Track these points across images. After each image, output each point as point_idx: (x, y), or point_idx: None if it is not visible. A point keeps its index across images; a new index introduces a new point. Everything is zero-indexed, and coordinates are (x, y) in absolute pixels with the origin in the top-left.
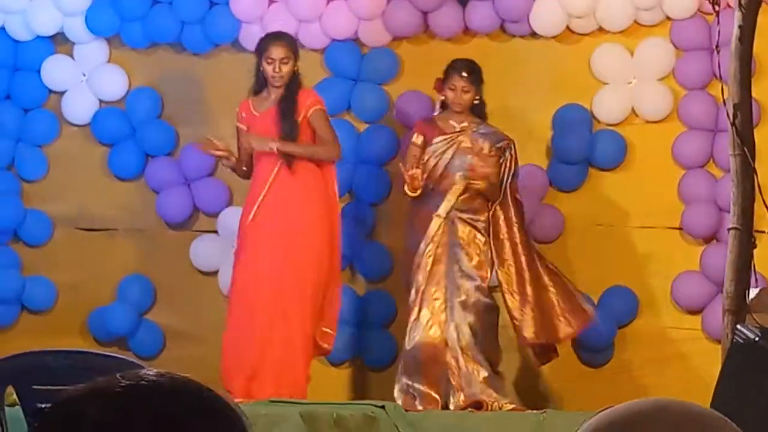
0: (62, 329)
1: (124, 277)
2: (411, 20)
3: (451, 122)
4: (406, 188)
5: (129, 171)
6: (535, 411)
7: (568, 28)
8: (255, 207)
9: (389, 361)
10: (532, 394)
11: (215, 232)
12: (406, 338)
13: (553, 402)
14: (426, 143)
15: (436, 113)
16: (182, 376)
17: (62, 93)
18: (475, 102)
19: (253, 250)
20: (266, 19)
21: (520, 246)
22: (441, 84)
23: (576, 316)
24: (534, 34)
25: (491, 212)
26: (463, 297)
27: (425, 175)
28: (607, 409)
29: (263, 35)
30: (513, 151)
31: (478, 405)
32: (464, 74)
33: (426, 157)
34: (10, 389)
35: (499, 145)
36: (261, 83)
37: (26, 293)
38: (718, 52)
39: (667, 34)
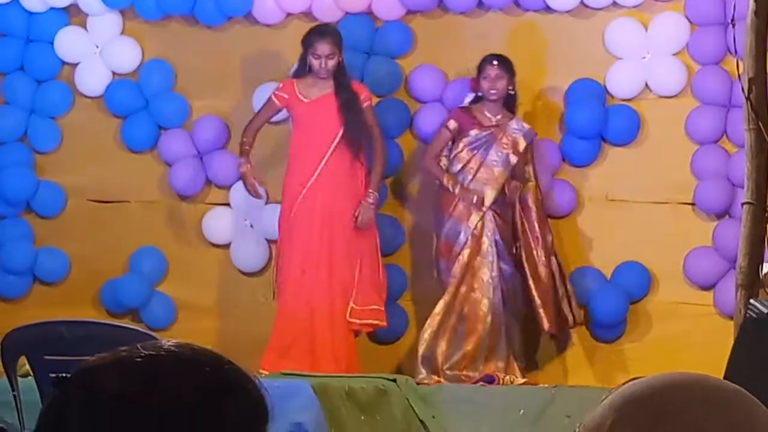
0: (74, 301)
1: (137, 249)
2: None
3: (487, 114)
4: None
5: (142, 143)
6: (546, 385)
7: (582, 2)
8: (305, 188)
9: (401, 334)
10: (544, 369)
11: (227, 204)
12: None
13: (565, 376)
14: (460, 131)
15: (468, 102)
16: (202, 348)
17: (75, 65)
18: (509, 92)
19: (306, 229)
20: None
21: (541, 240)
22: (475, 80)
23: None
24: (548, 9)
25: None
26: (501, 283)
27: (460, 167)
28: (632, 380)
29: (312, 27)
30: (534, 141)
31: (489, 379)
32: (495, 63)
33: (460, 146)
34: (22, 360)
35: (531, 141)
36: (305, 70)
37: (38, 264)
38: (733, 26)
39: (682, 8)
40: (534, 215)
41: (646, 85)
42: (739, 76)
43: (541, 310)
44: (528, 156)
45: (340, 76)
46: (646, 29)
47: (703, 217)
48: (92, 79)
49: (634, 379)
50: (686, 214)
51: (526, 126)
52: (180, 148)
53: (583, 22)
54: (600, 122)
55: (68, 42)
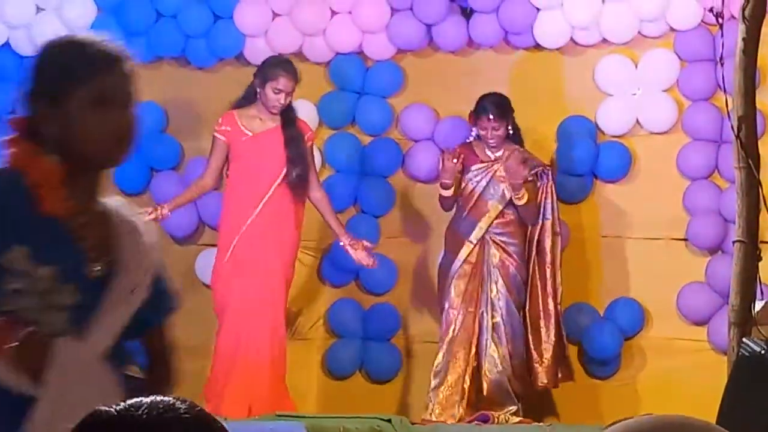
0: None
1: None
2: (415, 33)
3: (487, 152)
4: (441, 185)
5: (134, 185)
6: (541, 424)
7: (571, 39)
8: (245, 225)
9: (394, 374)
10: (539, 407)
11: None
12: (440, 357)
13: (560, 414)
14: (464, 166)
15: (471, 140)
16: (208, 415)
17: None
18: (509, 133)
19: (245, 269)
20: (270, 33)
21: (549, 282)
22: (473, 118)
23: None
24: (538, 46)
25: (530, 238)
26: (497, 318)
27: (461, 202)
28: (621, 421)
29: (270, 58)
30: (550, 177)
31: (484, 418)
32: (491, 116)
33: (464, 184)
34: None
35: (534, 171)
36: (250, 100)
37: None
38: (722, 65)
39: (671, 45)
40: (548, 260)
41: (637, 121)
42: (728, 113)
43: (537, 365)
44: (540, 191)
45: (288, 111)
46: (636, 66)
47: (696, 252)
48: None
49: (619, 421)
50: (679, 249)
51: (529, 155)
52: (172, 190)
53: (573, 59)
54: (591, 159)
55: None
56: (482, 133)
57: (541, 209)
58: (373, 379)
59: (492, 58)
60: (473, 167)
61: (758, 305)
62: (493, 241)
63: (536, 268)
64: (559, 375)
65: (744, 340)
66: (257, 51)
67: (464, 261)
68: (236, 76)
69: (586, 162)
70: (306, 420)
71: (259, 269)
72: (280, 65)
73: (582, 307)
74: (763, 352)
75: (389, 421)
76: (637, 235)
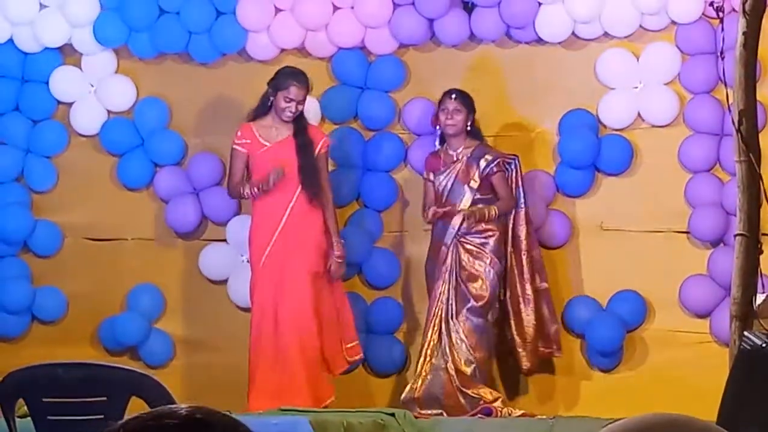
0: (73, 339)
1: (134, 286)
2: (417, 28)
3: (450, 152)
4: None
5: (138, 181)
6: (544, 417)
7: (573, 33)
8: (275, 235)
9: (397, 367)
10: (541, 399)
11: (224, 240)
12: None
13: (562, 407)
14: (435, 177)
15: (436, 147)
16: (217, 412)
17: (70, 104)
18: (468, 128)
19: (277, 276)
20: (273, 29)
21: (526, 269)
22: (435, 115)
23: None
24: (539, 40)
25: (508, 227)
26: (462, 319)
27: (435, 207)
28: (615, 422)
29: (283, 68)
30: (518, 165)
31: (487, 411)
32: (453, 96)
33: (432, 191)
34: (20, 401)
35: (492, 165)
36: (264, 110)
37: (37, 304)
38: (722, 58)
39: (673, 38)
40: (523, 246)
41: (639, 114)
42: (729, 107)
43: (521, 350)
44: (509, 181)
45: (301, 120)
46: (638, 59)
47: (697, 245)
48: (87, 118)
49: (616, 420)
50: (681, 242)
51: (488, 149)
52: (176, 186)
53: (575, 53)
54: (593, 152)
55: (63, 82)
56: (442, 118)
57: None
58: (377, 372)
59: (494, 52)
60: (438, 172)
61: (759, 298)
62: (461, 243)
63: (513, 256)
64: (540, 349)
65: (745, 333)
66: (260, 46)
67: (441, 265)
68: (239, 71)
69: (588, 155)
70: (309, 414)
71: (291, 275)
72: (291, 75)
73: (584, 300)
74: (764, 345)
75: (393, 415)
76: (639, 228)
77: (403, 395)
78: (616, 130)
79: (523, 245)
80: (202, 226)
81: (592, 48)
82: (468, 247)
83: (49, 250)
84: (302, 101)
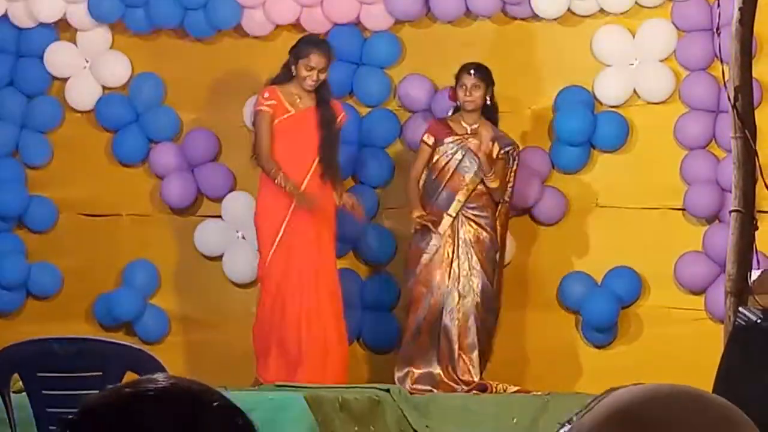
0: (68, 315)
1: (129, 262)
2: (412, 4)
3: (463, 124)
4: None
5: (133, 157)
6: (539, 392)
7: (569, 10)
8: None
9: (392, 343)
10: (536, 375)
11: (219, 217)
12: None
13: (557, 383)
14: (437, 143)
15: (449, 114)
16: (194, 382)
17: (65, 79)
18: (487, 102)
19: (291, 251)
20: (268, 5)
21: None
22: (453, 89)
23: None
24: (535, 17)
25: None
26: (472, 294)
27: (435, 175)
28: (611, 390)
29: (304, 36)
30: (518, 159)
31: (482, 387)
32: (472, 71)
33: (436, 156)
34: (15, 376)
35: (506, 149)
36: (287, 77)
37: (32, 279)
38: (718, 35)
39: (669, 15)
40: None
41: (635, 91)
42: (725, 83)
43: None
44: (507, 170)
45: (324, 91)
46: (634, 36)
47: (693, 221)
48: (82, 94)
49: (613, 389)
50: (676, 219)
51: (502, 132)
52: (171, 161)
53: (571, 29)
54: (589, 129)
55: (58, 57)
56: (461, 94)
57: (511, 188)
58: (372, 349)
59: (489, 28)
60: (447, 140)
61: (754, 274)
62: (466, 217)
63: None
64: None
65: (740, 309)
66: (255, 22)
67: (444, 237)
68: (234, 47)
69: (584, 132)
70: (305, 390)
71: (309, 247)
72: (312, 43)
73: (579, 276)
74: (759, 320)
75: (388, 391)
76: (635, 205)
77: (398, 372)
78: (612, 106)
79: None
80: (197, 202)
81: (588, 24)
82: (471, 216)
83: (44, 226)
84: (323, 70)
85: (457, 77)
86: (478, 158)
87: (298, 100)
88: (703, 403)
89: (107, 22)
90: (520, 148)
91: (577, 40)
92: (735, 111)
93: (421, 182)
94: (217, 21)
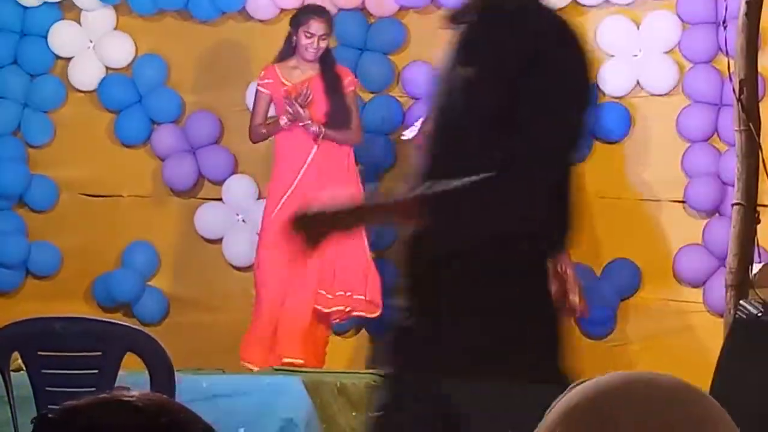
0: (67, 294)
1: (129, 243)
2: None
3: None
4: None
5: (135, 138)
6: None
7: (574, 0)
8: (294, 183)
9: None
10: None
11: (220, 199)
12: None
13: None
14: None
15: None
16: (163, 399)
17: (69, 59)
18: None
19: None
20: None
21: None
22: None
23: None
24: None
25: None
26: None
27: None
28: (579, 384)
29: (304, 5)
30: None
31: None
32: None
33: None
34: (15, 354)
35: None
36: (289, 52)
37: (31, 258)
38: (724, 27)
39: (674, 6)
40: None
41: (638, 82)
42: (729, 76)
43: None
44: None
45: (327, 59)
46: (638, 27)
47: (693, 215)
48: (86, 74)
49: (580, 383)
50: (677, 211)
51: None
52: (173, 143)
53: (575, 20)
54: (591, 120)
55: (62, 36)
56: None
57: None
58: (372, 335)
59: None
60: None
61: (755, 268)
62: None
63: None
64: None
65: (741, 302)
66: (260, 5)
67: None
68: (238, 30)
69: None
70: (303, 375)
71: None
72: (308, 9)
73: (578, 267)
74: (759, 314)
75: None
76: (635, 197)
77: None
78: (615, 97)
79: None
80: (198, 185)
81: (592, 15)
82: None
83: (45, 205)
84: (324, 37)
85: None
86: None
87: (298, 72)
88: (665, 387)
89: (112, 3)
90: None
91: (582, 30)
92: (740, 104)
93: None
94: (221, 3)
